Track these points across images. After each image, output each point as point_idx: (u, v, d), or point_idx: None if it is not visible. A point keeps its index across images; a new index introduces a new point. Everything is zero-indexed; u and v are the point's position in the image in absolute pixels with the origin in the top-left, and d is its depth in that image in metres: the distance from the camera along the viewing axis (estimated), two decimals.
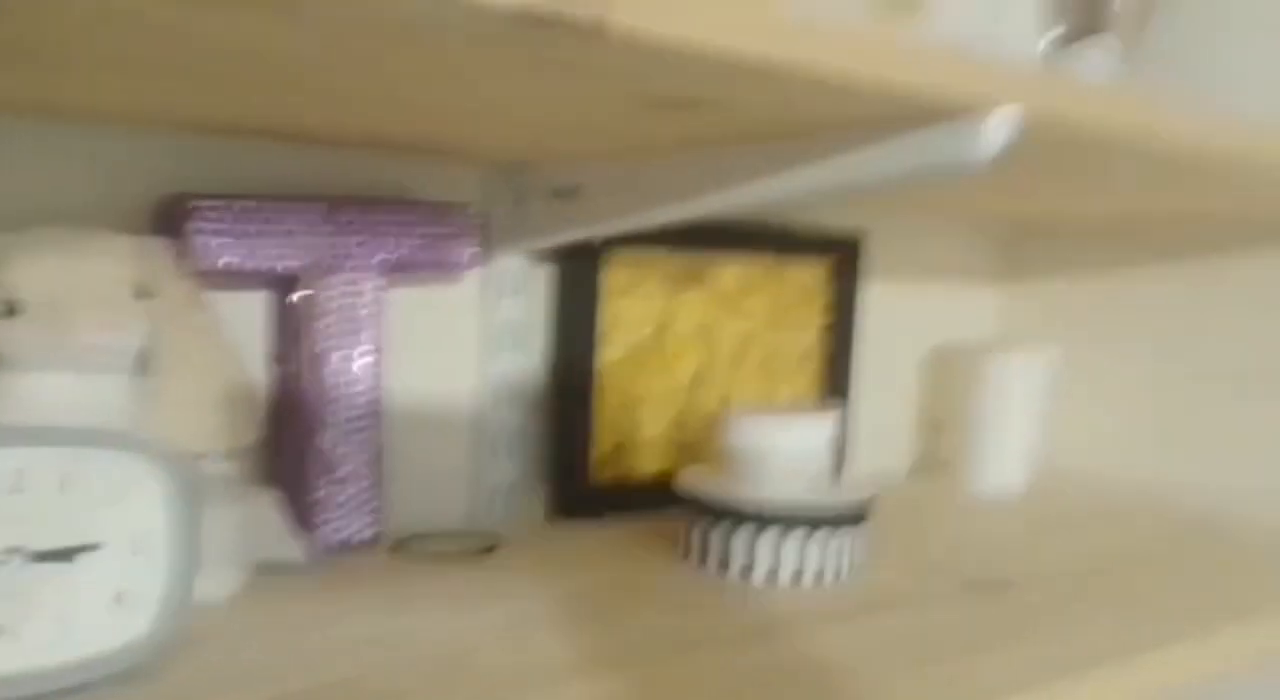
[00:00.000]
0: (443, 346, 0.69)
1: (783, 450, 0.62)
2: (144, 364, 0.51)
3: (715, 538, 0.61)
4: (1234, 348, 0.84)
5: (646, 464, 0.77)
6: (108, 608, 0.39)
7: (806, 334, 0.85)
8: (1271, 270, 0.82)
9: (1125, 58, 0.66)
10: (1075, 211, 0.84)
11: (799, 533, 0.59)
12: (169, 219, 0.55)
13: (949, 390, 0.96)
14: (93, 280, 0.49)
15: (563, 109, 0.42)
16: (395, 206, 0.60)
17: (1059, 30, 0.66)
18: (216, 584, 0.50)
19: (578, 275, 0.71)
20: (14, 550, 0.37)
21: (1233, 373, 0.84)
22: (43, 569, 0.37)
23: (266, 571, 0.54)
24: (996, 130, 0.38)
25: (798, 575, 0.60)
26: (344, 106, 0.45)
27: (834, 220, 0.87)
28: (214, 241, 0.54)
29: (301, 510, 0.59)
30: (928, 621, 0.53)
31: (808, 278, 0.84)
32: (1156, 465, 0.89)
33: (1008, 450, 0.91)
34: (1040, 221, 0.96)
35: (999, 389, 0.91)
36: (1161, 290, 0.89)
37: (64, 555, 0.38)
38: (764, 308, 0.82)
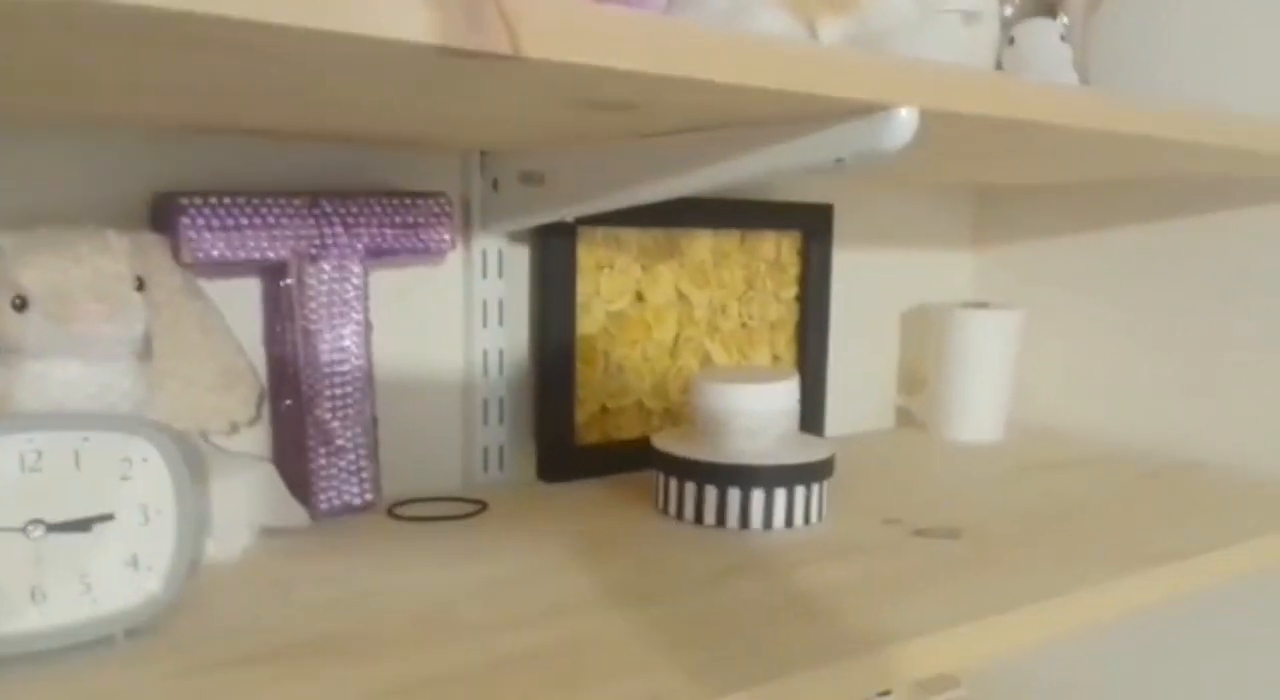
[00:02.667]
0: (430, 324, 0.73)
1: (747, 412, 0.67)
2: (146, 350, 0.56)
3: (688, 494, 0.66)
4: (1201, 303, 0.88)
5: (630, 427, 0.81)
6: (124, 571, 0.44)
7: (781, 301, 0.89)
8: (1235, 227, 0.85)
9: (1074, 37, 0.68)
10: (1038, 178, 0.87)
11: (763, 488, 0.64)
12: (162, 215, 0.59)
13: (924, 348, 1.00)
14: (95, 275, 0.53)
15: (510, 111, 0.46)
16: (375, 196, 0.64)
17: (1010, 10, 0.68)
18: (225, 547, 0.55)
19: (555, 253, 0.75)
20: (36, 522, 0.42)
21: (1200, 327, 0.88)
22: (64, 538, 0.42)
23: (271, 535, 0.59)
24: (904, 125, 0.41)
25: (764, 527, 0.64)
26: (318, 114, 0.49)
27: (804, 192, 0.90)
28: (204, 235, 0.58)
29: (301, 479, 0.64)
30: (878, 566, 0.58)
31: (780, 247, 0.88)
32: (1125, 419, 0.93)
33: (980, 406, 0.95)
34: (1009, 186, 0.99)
35: (972, 346, 0.94)
36: (1130, 248, 0.92)
37: (81, 525, 0.43)
38: (737, 277, 0.86)
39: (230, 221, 0.59)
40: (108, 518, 0.43)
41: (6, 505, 0.41)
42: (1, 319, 0.52)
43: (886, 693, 0.47)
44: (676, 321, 0.83)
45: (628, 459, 0.79)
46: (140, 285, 0.55)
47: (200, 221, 0.58)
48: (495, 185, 0.71)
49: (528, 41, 0.30)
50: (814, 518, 0.66)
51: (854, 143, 0.43)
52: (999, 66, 0.77)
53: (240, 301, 0.65)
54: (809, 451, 0.67)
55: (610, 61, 0.33)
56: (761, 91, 0.38)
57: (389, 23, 0.28)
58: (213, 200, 0.58)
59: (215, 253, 0.58)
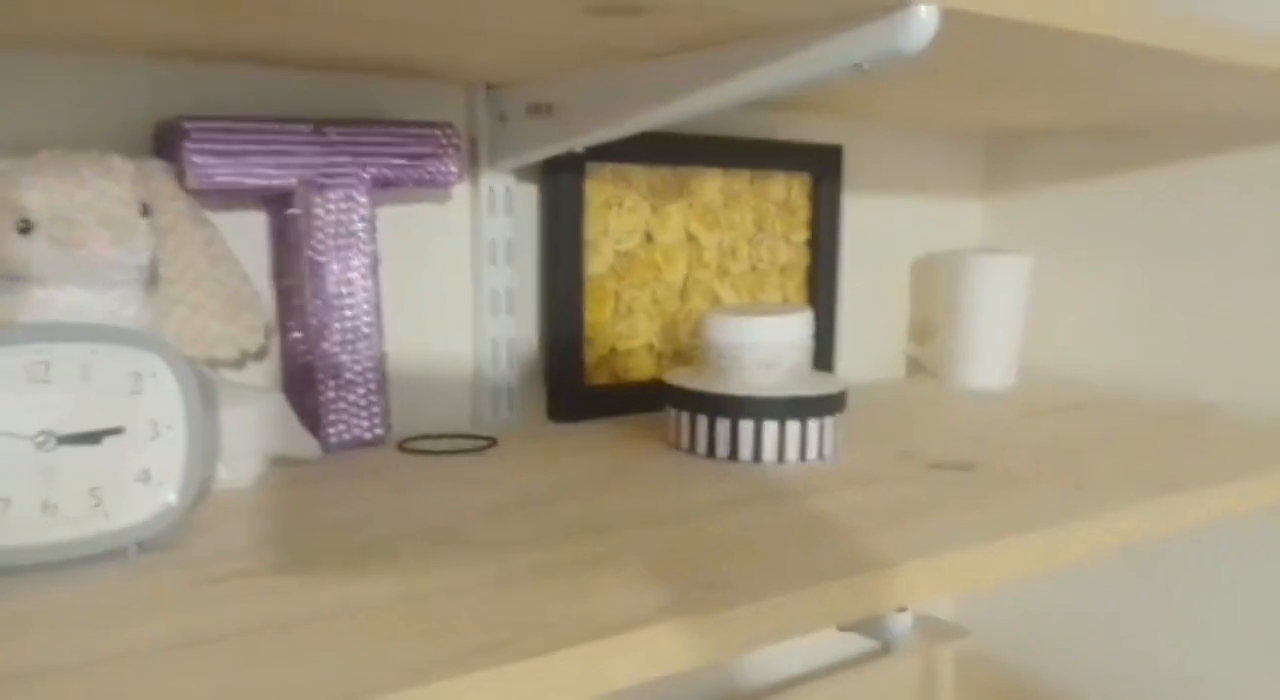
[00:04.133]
0: (438, 263, 0.73)
1: (759, 344, 0.66)
2: (152, 277, 0.55)
3: (700, 427, 0.65)
4: (1210, 249, 0.87)
5: (639, 368, 0.81)
6: (134, 484, 0.44)
7: (791, 244, 0.88)
8: (1246, 172, 0.83)
9: None
10: (1052, 119, 0.85)
11: (776, 420, 0.63)
12: (166, 141, 0.58)
13: (934, 296, 0.99)
14: (99, 199, 0.53)
15: (514, 17, 0.45)
16: (381, 125, 0.64)
17: None
18: (236, 473, 0.55)
19: (563, 188, 0.74)
20: (46, 433, 0.42)
21: (1210, 273, 0.87)
22: (74, 451, 0.42)
23: (282, 465, 0.59)
24: (923, 24, 0.40)
25: (778, 460, 0.64)
26: (318, 28, 0.48)
27: (814, 133, 0.89)
28: (209, 160, 0.57)
29: (311, 412, 0.63)
30: (892, 495, 0.57)
31: (790, 189, 0.87)
32: (1136, 366, 0.92)
33: (992, 352, 0.94)
34: (1021, 131, 0.97)
35: (982, 292, 0.93)
36: (1139, 195, 0.91)
37: (92, 438, 0.42)
38: (747, 219, 0.85)
39: (236, 147, 0.58)
40: (118, 431, 0.43)
41: (16, 416, 0.41)
42: (5, 244, 0.52)
43: (903, 609, 0.47)
44: (686, 263, 0.82)
45: (637, 400, 0.78)
46: (145, 211, 0.54)
47: (206, 146, 0.57)
48: (502, 119, 0.70)
49: None
50: (827, 451, 0.65)
51: (872, 45, 0.42)
52: None
53: (247, 235, 0.64)
54: (821, 385, 0.66)
55: None
56: None
57: None
58: (218, 125, 0.57)
59: (220, 178, 0.58)
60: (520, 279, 0.76)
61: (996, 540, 0.50)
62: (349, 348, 0.64)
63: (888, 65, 0.43)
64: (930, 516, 0.53)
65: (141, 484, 0.44)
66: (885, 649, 1.04)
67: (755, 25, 0.45)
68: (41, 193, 0.52)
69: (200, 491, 0.46)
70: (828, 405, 0.65)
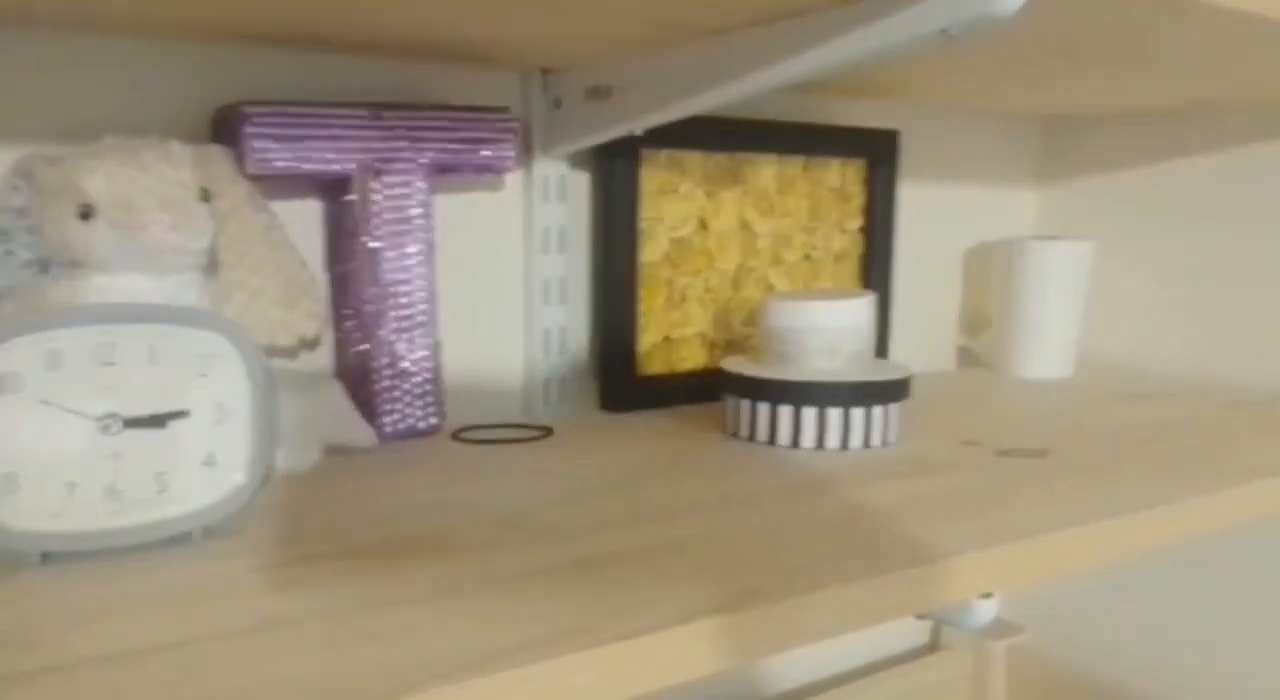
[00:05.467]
0: (490, 251, 0.72)
1: (822, 329, 0.64)
2: (212, 263, 0.54)
3: (761, 414, 0.64)
4: (1271, 233, 0.84)
5: (692, 357, 0.79)
6: (199, 469, 0.43)
7: (845, 231, 0.86)
8: None
9: None
10: (1110, 104, 0.83)
11: (840, 407, 0.62)
12: (225, 126, 0.58)
13: (990, 285, 0.97)
14: (160, 184, 0.52)
15: None
16: (437, 110, 0.63)
17: None
18: (293, 460, 0.54)
19: (618, 174, 0.72)
20: (111, 416, 0.41)
21: (1270, 258, 0.84)
22: (140, 434, 0.41)
23: (338, 453, 0.58)
24: None
25: (840, 446, 0.62)
26: (376, 12, 0.48)
27: (869, 118, 0.87)
28: (268, 145, 0.57)
29: (366, 401, 0.62)
30: (965, 481, 0.56)
31: (844, 176, 0.85)
32: (1197, 353, 0.90)
33: (1049, 341, 0.92)
34: (1078, 116, 0.95)
35: (1040, 279, 0.91)
36: (1197, 179, 0.89)
37: (157, 421, 0.42)
38: (802, 206, 0.83)
39: (295, 132, 0.57)
40: (183, 414, 0.42)
41: (82, 398, 0.40)
42: (67, 229, 0.52)
43: (989, 594, 0.45)
44: (740, 251, 0.81)
45: (690, 390, 0.77)
46: (205, 196, 0.54)
47: (265, 131, 0.56)
48: (557, 104, 0.69)
49: None
50: (891, 438, 0.64)
51: (962, 9, 0.40)
52: None
53: (302, 223, 0.63)
54: (884, 371, 0.64)
55: None
56: None
57: None
58: (277, 110, 0.57)
59: (279, 163, 0.57)
60: (572, 267, 0.74)
61: (1084, 525, 0.48)
62: (405, 335, 0.63)
63: (974, 31, 0.41)
64: (1010, 503, 0.52)
65: (206, 468, 0.43)
66: (935, 646, 1.02)
67: None
68: (103, 178, 0.51)
69: (264, 477, 0.45)
70: (893, 391, 0.63)
